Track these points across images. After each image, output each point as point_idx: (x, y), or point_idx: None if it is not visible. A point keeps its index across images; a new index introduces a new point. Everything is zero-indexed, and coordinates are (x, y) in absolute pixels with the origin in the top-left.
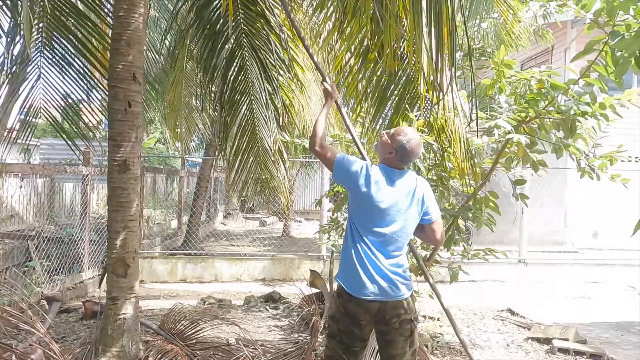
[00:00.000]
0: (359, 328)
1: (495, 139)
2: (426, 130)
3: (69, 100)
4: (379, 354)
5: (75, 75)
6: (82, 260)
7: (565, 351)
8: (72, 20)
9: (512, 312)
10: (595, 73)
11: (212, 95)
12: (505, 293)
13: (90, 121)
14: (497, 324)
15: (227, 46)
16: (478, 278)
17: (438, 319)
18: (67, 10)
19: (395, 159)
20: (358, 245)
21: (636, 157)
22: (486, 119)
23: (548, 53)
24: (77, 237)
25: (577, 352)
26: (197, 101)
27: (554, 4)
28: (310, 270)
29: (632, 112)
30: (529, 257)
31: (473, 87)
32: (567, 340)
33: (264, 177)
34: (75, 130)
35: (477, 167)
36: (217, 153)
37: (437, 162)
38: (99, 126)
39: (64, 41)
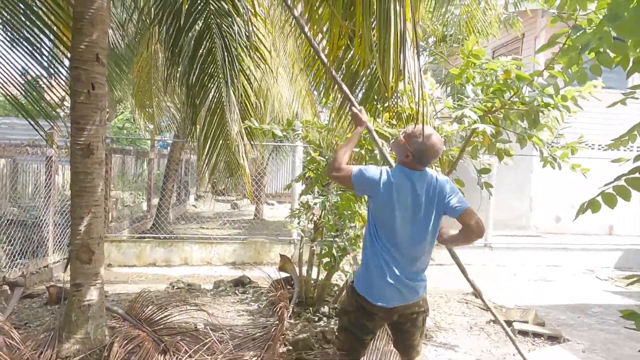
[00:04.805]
0: (372, 322)
1: (465, 126)
2: (394, 120)
3: (28, 77)
4: (392, 341)
5: (34, 52)
6: (46, 244)
7: (524, 333)
8: None
9: (476, 295)
10: (559, 65)
11: (179, 77)
12: (470, 276)
13: (52, 99)
14: (462, 306)
15: (195, 27)
16: (446, 262)
17: None
18: None
19: (413, 162)
20: (380, 253)
21: (599, 145)
22: (453, 109)
23: (519, 41)
24: (42, 220)
25: (536, 334)
26: (164, 83)
27: None
28: (281, 254)
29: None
30: (494, 241)
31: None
32: (526, 322)
33: (232, 161)
34: (37, 108)
35: (444, 155)
36: (186, 135)
37: None
38: (62, 103)
39: (21, 17)
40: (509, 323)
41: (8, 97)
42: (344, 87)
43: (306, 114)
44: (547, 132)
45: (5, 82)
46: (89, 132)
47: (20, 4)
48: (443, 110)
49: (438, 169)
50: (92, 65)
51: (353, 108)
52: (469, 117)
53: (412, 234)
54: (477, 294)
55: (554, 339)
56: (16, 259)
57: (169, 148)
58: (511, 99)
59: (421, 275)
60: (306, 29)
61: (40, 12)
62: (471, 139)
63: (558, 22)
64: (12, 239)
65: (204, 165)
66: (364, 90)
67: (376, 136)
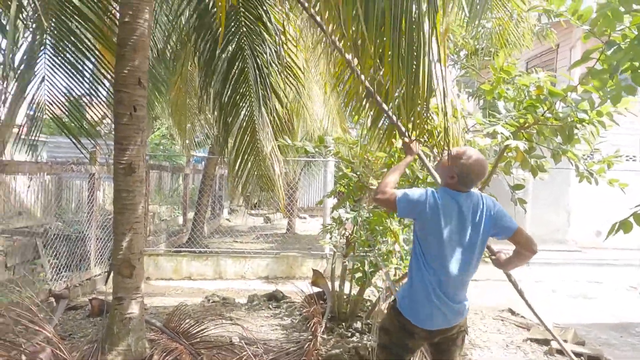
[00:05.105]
0: (414, 341)
1: (498, 141)
2: (425, 137)
3: (72, 98)
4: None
5: (78, 76)
6: (89, 257)
7: (563, 353)
8: (76, 23)
9: (512, 312)
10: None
11: (213, 96)
12: (507, 293)
13: (93, 118)
14: (497, 324)
15: (229, 48)
16: (481, 277)
17: None
18: (70, 12)
19: (458, 184)
20: (426, 275)
21: (633, 157)
22: (484, 125)
23: (554, 51)
24: (84, 234)
25: (575, 354)
26: (198, 101)
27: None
28: (313, 269)
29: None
30: None
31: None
32: (565, 341)
33: (264, 176)
34: (79, 127)
35: None
36: (219, 152)
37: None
38: (102, 121)
39: (67, 43)
40: (547, 342)
41: (53, 118)
42: (394, 118)
43: (336, 131)
44: (583, 144)
45: (52, 104)
46: (130, 152)
47: (67, 31)
48: (476, 125)
49: None
50: (134, 89)
51: (404, 138)
52: (501, 133)
53: (459, 257)
54: (538, 319)
55: (594, 359)
56: (61, 272)
57: (203, 163)
58: (544, 114)
59: (465, 297)
60: (344, 53)
61: (84, 37)
62: (504, 155)
63: (591, 37)
64: (57, 252)
65: (236, 180)
66: (395, 108)
67: (427, 162)
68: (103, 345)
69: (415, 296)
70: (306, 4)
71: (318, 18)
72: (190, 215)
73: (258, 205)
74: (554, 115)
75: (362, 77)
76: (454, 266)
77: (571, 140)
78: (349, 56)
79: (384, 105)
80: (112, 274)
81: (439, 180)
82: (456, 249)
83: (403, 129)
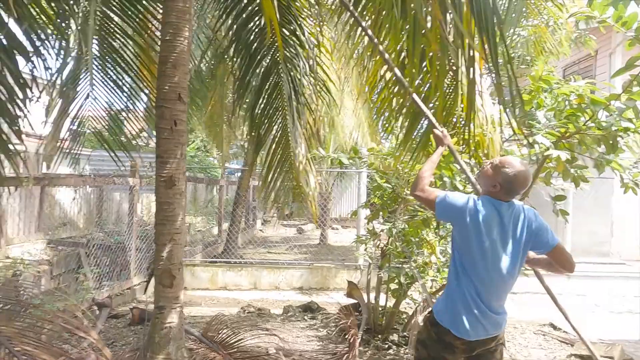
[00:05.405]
0: (453, 355)
1: (535, 151)
2: (461, 147)
3: (112, 112)
4: None
5: (118, 92)
6: (129, 267)
7: None
8: (118, 42)
9: (554, 327)
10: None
11: (246, 110)
12: (547, 306)
13: (130, 132)
14: (539, 338)
15: (263, 62)
16: (519, 290)
17: None
18: (112, 30)
19: (500, 193)
20: (465, 285)
21: None
22: (524, 135)
23: (592, 57)
24: (125, 244)
25: None
26: (230, 114)
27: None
28: (348, 281)
29: None
30: None
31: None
32: (612, 358)
33: (296, 188)
34: (118, 141)
35: None
36: (250, 164)
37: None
38: (139, 135)
39: (109, 60)
40: (592, 359)
41: (94, 132)
42: (427, 111)
43: (366, 142)
44: (627, 153)
45: (93, 119)
46: (171, 166)
47: (109, 49)
48: (514, 134)
49: None
50: (174, 104)
51: (435, 130)
52: (541, 143)
53: (499, 267)
54: (576, 333)
55: None
56: (103, 281)
57: (236, 174)
58: (586, 123)
59: (504, 308)
60: (385, 54)
61: (124, 54)
62: (544, 165)
63: (636, 44)
64: (99, 262)
65: (267, 192)
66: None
67: (457, 155)
68: (145, 353)
69: (453, 305)
70: (350, 6)
71: (363, 23)
72: (225, 226)
73: (290, 216)
74: (596, 124)
75: (397, 71)
76: (493, 276)
77: (615, 150)
78: (388, 59)
79: (420, 103)
80: (151, 284)
81: (478, 187)
82: (496, 259)
83: (434, 120)
